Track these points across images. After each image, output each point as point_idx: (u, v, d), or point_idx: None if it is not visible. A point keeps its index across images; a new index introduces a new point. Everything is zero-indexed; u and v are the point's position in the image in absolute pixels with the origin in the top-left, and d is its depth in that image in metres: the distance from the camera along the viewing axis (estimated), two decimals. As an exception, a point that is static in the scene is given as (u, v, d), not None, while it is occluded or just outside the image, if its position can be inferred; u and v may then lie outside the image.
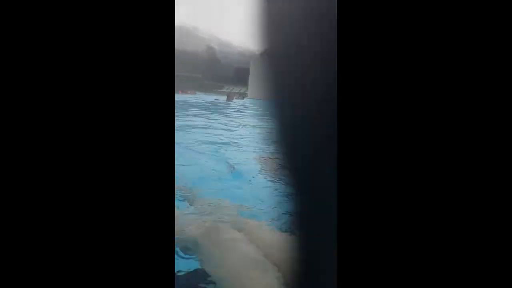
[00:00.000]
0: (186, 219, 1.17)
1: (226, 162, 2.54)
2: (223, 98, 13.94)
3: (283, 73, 0.52)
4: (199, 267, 0.95)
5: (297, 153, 0.55)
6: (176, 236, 0.95)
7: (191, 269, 0.95)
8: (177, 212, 1.25)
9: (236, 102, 13.52)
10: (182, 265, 0.99)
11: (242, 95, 15.49)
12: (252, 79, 24.97)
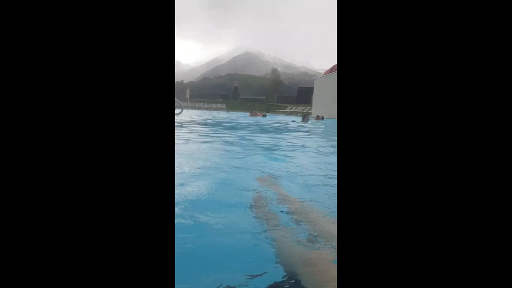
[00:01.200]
0: None
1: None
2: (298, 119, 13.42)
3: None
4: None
5: None
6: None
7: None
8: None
9: (315, 123, 10.93)
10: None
11: (322, 116, 14.04)
12: (316, 98, 24.93)
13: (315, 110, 23.30)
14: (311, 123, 10.45)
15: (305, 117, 11.20)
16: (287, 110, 34.50)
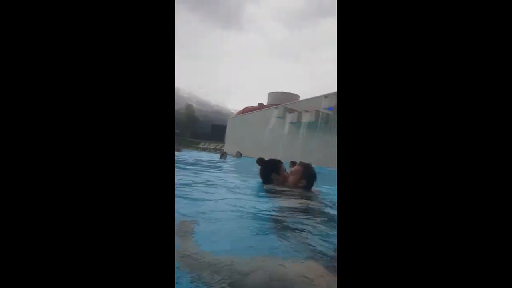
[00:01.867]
0: None
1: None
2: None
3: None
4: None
5: None
6: None
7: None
8: None
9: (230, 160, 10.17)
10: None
11: (240, 153, 13.97)
12: (229, 136, 26.01)
13: (228, 147, 24.21)
14: (230, 160, 10.03)
15: (223, 155, 11.09)
16: (200, 146, 34.46)
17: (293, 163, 4.87)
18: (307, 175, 2.42)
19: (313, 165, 2.57)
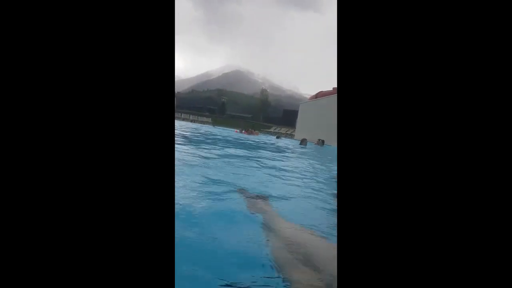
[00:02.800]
0: None
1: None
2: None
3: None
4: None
5: None
6: None
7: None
8: None
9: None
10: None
11: (322, 141, 12.91)
12: (300, 122, 25.67)
13: (299, 133, 23.94)
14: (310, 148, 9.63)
15: (303, 141, 10.88)
16: (272, 130, 35.13)
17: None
18: None
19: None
